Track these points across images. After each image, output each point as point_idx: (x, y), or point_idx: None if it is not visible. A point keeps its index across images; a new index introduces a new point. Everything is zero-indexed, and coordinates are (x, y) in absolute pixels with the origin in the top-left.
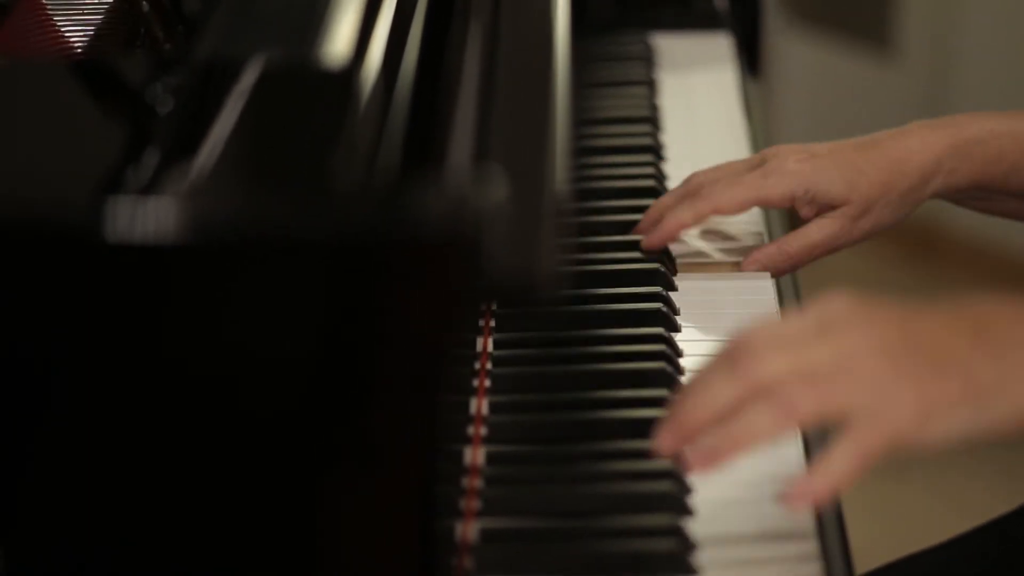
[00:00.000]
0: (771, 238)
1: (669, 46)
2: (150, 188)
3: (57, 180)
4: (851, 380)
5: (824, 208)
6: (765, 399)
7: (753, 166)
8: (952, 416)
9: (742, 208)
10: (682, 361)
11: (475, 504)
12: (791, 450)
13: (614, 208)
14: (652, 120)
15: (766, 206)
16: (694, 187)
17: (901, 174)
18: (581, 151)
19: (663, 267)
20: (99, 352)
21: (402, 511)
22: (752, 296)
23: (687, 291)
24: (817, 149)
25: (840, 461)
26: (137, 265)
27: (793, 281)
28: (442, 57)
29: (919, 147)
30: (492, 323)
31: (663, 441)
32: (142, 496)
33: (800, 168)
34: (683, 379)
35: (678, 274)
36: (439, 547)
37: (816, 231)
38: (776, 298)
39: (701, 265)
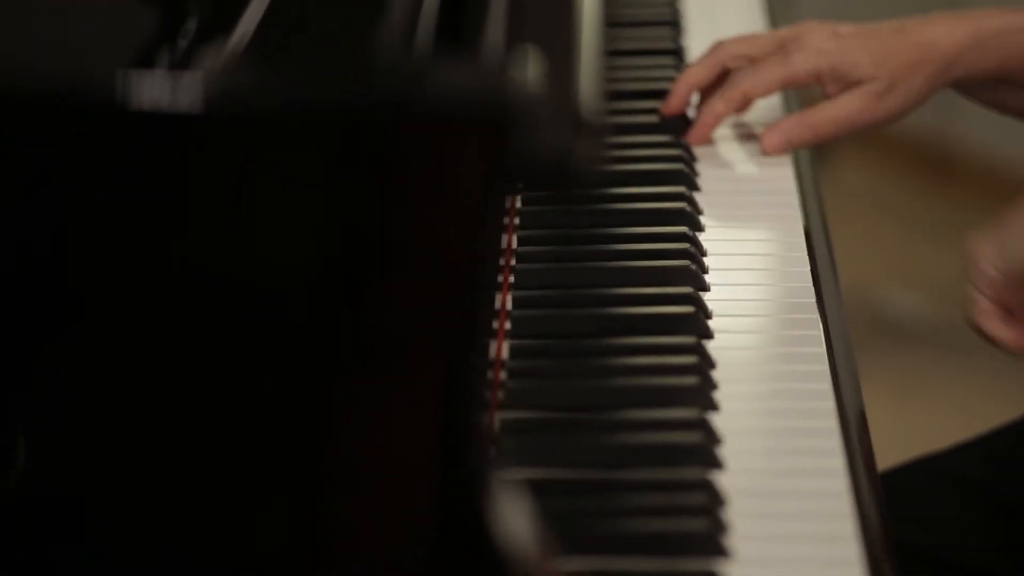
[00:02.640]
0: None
1: None
2: (185, 63)
3: (92, 53)
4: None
5: (850, 85)
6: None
7: (779, 41)
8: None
9: (772, 90)
10: (706, 260)
11: (499, 396)
12: (815, 349)
13: (637, 110)
14: (674, 23)
15: (794, 86)
16: (720, 59)
17: (926, 58)
18: (605, 53)
19: (686, 168)
20: (118, 227)
21: (433, 405)
22: (775, 196)
23: (710, 189)
24: (843, 30)
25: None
26: (167, 137)
27: (816, 189)
28: None
29: (944, 34)
30: (516, 220)
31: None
32: (150, 383)
33: (826, 45)
34: (707, 277)
35: (699, 161)
36: (472, 439)
37: (841, 105)
38: (799, 201)
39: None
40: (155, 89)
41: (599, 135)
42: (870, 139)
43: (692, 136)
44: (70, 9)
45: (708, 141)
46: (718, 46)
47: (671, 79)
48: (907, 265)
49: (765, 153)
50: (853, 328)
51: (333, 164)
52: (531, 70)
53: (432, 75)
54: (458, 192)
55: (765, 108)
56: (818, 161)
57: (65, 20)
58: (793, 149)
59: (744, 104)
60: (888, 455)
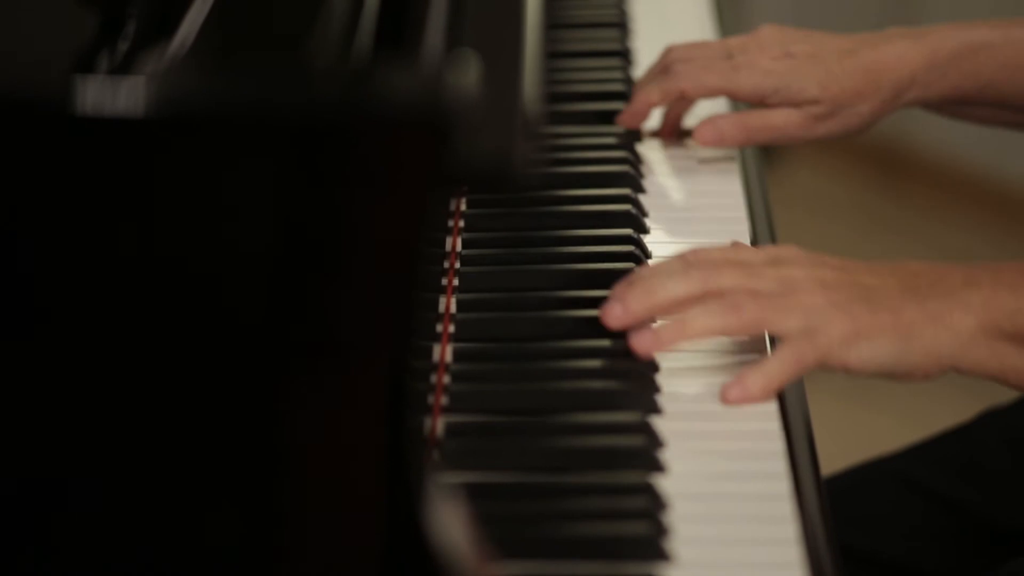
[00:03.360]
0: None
1: None
2: (124, 68)
3: (31, 58)
4: (792, 302)
5: (794, 104)
6: (716, 299)
7: (730, 52)
8: (877, 344)
9: (709, 94)
10: (650, 263)
11: (442, 400)
12: (755, 352)
13: (583, 112)
14: (622, 25)
15: (733, 98)
16: (667, 63)
17: (875, 85)
18: (551, 54)
19: (632, 169)
20: (63, 232)
21: (373, 407)
22: (722, 199)
23: (656, 192)
24: (796, 48)
25: (775, 364)
26: (108, 142)
27: (762, 193)
28: None
29: (896, 60)
30: (461, 223)
31: (612, 312)
32: (99, 381)
33: (774, 67)
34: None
35: (645, 163)
36: (409, 442)
37: (780, 117)
38: (746, 205)
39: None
40: (97, 94)
41: (539, 137)
42: (821, 143)
43: (622, 119)
44: (5, 13)
45: (636, 127)
46: (668, 51)
47: (618, 81)
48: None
49: (695, 142)
50: None
51: (274, 167)
52: (470, 73)
53: (371, 79)
54: (398, 194)
55: (712, 107)
56: (767, 162)
57: (1, 24)
58: (725, 147)
59: (679, 101)
60: (835, 460)
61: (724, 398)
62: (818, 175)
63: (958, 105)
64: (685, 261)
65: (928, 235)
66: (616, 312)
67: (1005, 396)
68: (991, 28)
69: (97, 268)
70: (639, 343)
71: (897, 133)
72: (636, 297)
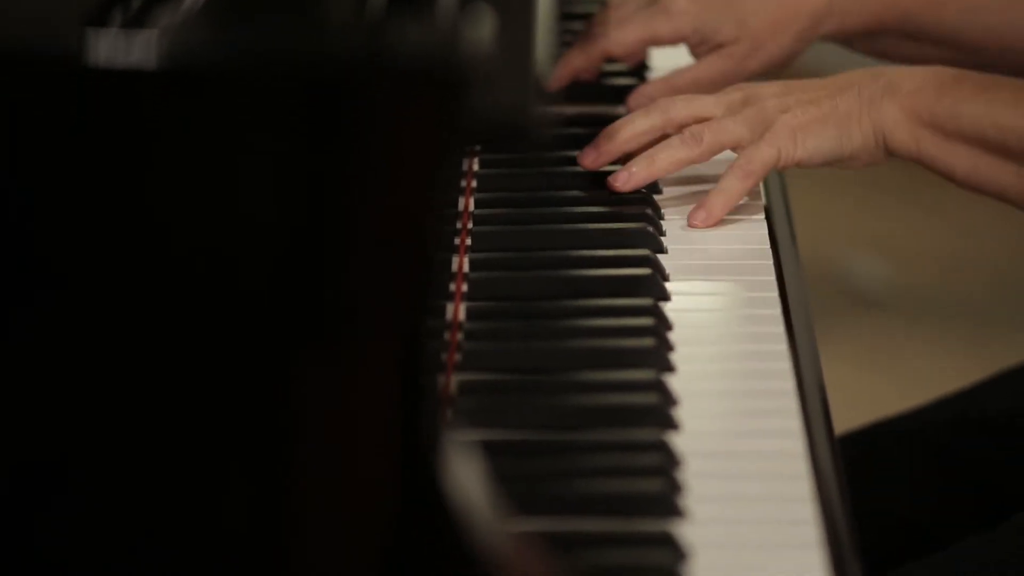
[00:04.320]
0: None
1: None
2: (138, 22)
3: (44, 12)
4: (739, 117)
5: (715, 47)
6: (676, 136)
7: (646, 3)
8: (819, 133)
9: (634, 48)
10: (663, 223)
11: (456, 357)
12: (770, 310)
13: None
14: None
15: (657, 45)
16: (588, 26)
17: (793, 14)
18: (561, 16)
19: None
20: (74, 181)
21: (391, 363)
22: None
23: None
24: None
25: (730, 181)
26: (121, 95)
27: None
28: None
29: None
30: (474, 183)
31: (587, 155)
32: (104, 356)
33: (690, 7)
34: (664, 240)
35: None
36: (425, 400)
37: (703, 67)
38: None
39: None
40: (109, 47)
41: (551, 93)
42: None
43: (548, 85)
44: None
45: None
46: (593, 17)
47: None
48: (869, 232)
49: (628, 109)
50: (816, 296)
51: (288, 124)
52: (484, 28)
53: (385, 33)
54: (412, 150)
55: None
56: None
57: None
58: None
59: (602, 60)
60: (854, 417)
61: (692, 223)
62: None
63: (877, 37)
64: (648, 107)
65: (946, 203)
66: (591, 155)
67: (1015, 359)
68: None
69: (104, 227)
70: (616, 180)
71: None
72: (606, 138)
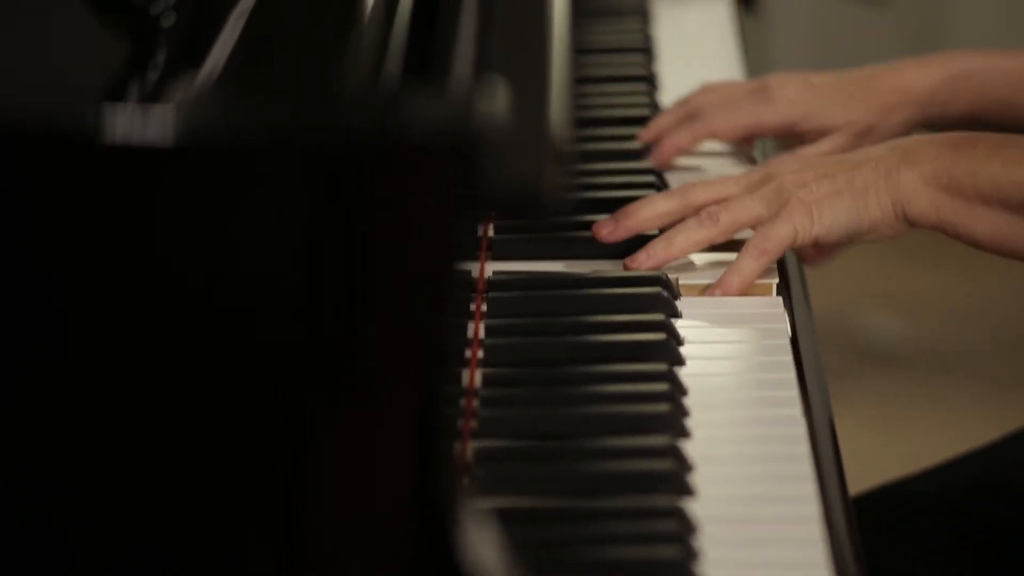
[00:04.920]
0: None
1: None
2: (154, 96)
3: (61, 88)
4: (756, 195)
5: (824, 132)
6: (694, 217)
7: (752, 91)
8: (836, 207)
9: (739, 133)
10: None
11: (472, 425)
12: (784, 374)
13: (608, 136)
14: (647, 50)
15: (764, 134)
16: (693, 108)
17: (901, 100)
18: (576, 79)
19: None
20: (93, 255)
21: (407, 432)
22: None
23: None
24: (816, 80)
25: (745, 261)
26: (138, 170)
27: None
28: None
29: (918, 76)
30: (489, 249)
31: (604, 227)
32: (124, 408)
33: (799, 95)
34: (679, 304)
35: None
36: (441, 468)
37: (827, 142)
38: None
39: None
40: (127, 122)
41: (567, 164)
42: None
43: (652, 159)
44: (38, 43)
45: (665, 168)
46: (692, 96)
47: (644, 106)
48: (884, 289)
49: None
50: (832, 354)
51: (305, 194)
52: (498, 100)
53: (400, 105)
54: (428, 221)
55: None
56: None
57: (33, 53)
58: None
59: (705, 139)
60: (868, 478)
61: (709, 295)
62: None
63: (978, 127)
64: (669, 191)
65: (957, 258)
66: (608, 227)
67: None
68: (998, 54)
69: (126, 297)
70: (634, 261)
71: None
72: (625, 214)
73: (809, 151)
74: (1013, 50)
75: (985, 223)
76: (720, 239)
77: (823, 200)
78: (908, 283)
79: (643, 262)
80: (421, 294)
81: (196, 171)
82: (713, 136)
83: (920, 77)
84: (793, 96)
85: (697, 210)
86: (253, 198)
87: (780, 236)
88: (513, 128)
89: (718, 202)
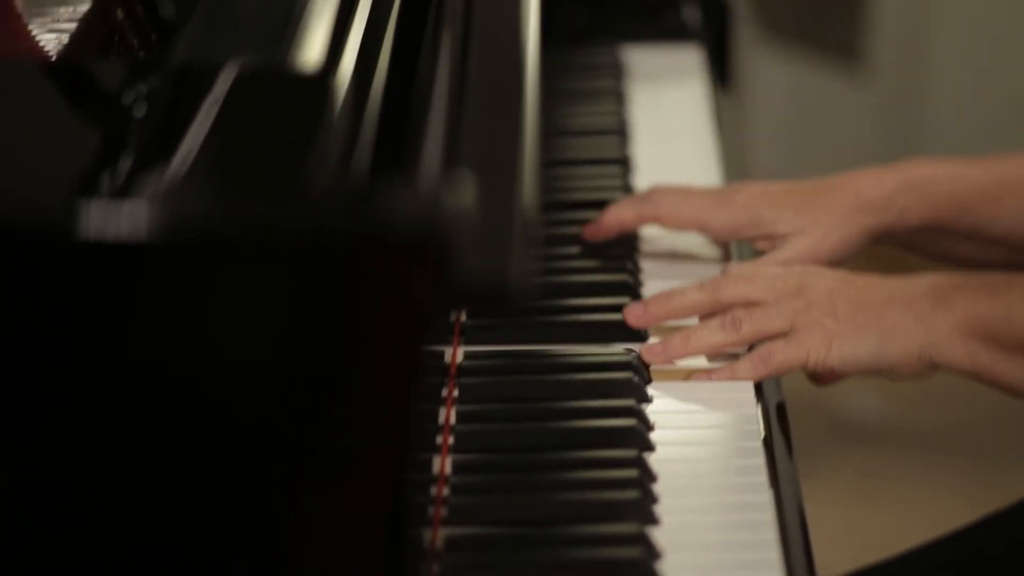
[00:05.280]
0: None
1: (640, 58)
2: (125, 191)
3: (31, 181)
4: (784, 309)
5: (776, 238)
6: (718, 317)
7: (710, 191)
8: (856, 342)
9: (683, 224)
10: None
11: (442, 512)
12: (754, 460)
13: (582, 220)
14: (621, 132)
15: (709, 233)
16: (648, 192)
17: (852, 206)
18: (550, 162)
19: (631, 279)
20: (69, 350)
21: (372, 518)
22: None
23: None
24: (772, 187)
25: (744, 365)
26: (111, 265)
27: None
28: (415, 64)
29: (873, 182)
30: (461, 335)
31: (634, 311)
32: (107, 494)
33: (750, 201)
34: (649, 388)
35: (644, 271)
36: (408, 554)
37: (788, 248)
38: None
39: None
40: (99, 218)
41: (534, 255)
42: None
43: (588, 230)
44: (7, 133)
45: (597, 240)
46: (651, 192)
47: (617, 188)
48: None
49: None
50: (809, 431)
51: (275, 286)
52: (465, 194)
53: (368, 201)
54: (395, 312)
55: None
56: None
57: (3, 144)
58: None
59: (649, 222)
60: (846, 559)
61: (695, 380)
62: None
63: (938, 237)
64: (704, 282)
65: None
66: (637, 311)
67: (1012, 496)
68: (962, 161)
69: (104, 389)
70: (649, 353)
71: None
72: (656, 303)
73: (769, 261)
74: (976, 157)
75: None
76: (738, 346)
77: (846, 334)
78: None
79: (659, 355)
80: (389, 381)
81: (171, 266)
82: (658, 220)
83: (877, 182)
84: (744, 201)
85: (725, 308)
86: (228, 291)
87: (788, 358)
88: (480, 222)
89: (747, 304)
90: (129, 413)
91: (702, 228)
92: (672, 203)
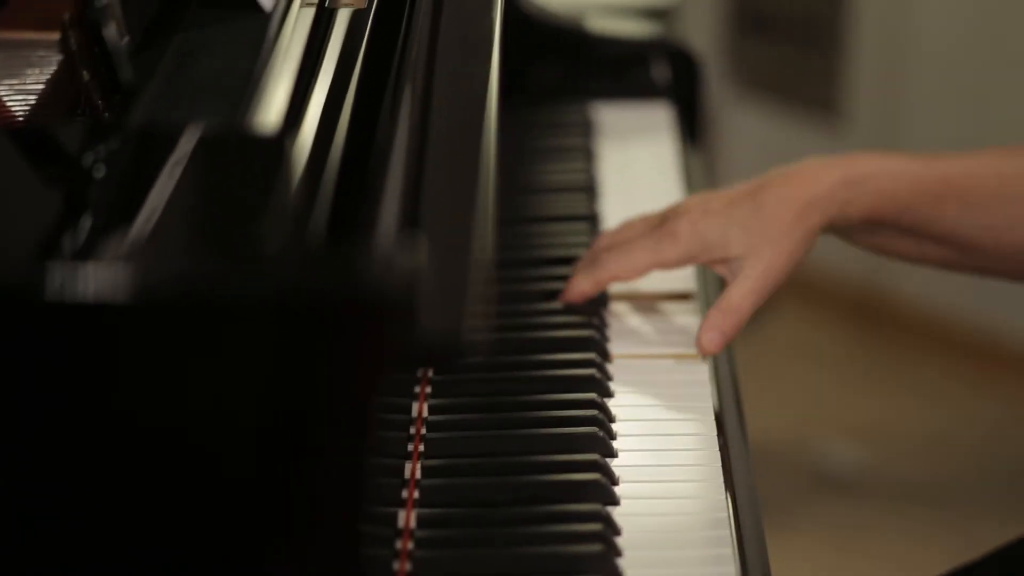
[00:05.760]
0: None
1: (609, 115)
2: (88, 252)
3: (4, 242)
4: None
5: (731, 260)
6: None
7: (652, 229)
8: (709, 223)
9: (641, 274)
10: (614, 426)
11: (407, 566)
12: (719, 515)
13: (550, 276)
14: (590, 189)
15: (665, 269)
16: (594, 254)
17: (794, 210)
18: (518, 219)
19: (597, 334)
20: (36, 409)
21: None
22: (685, 363)
23: (622, 356)
24: (713, 204)
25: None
26: (73, 325)
27: (729, 359)
28: (375, 125)
29: (811, 180)
30: (428, 389)
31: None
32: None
33: (693, 229)
34: (615, 444)
35: (611, 327)
36: None
37: (743, 286)
38: (712, 378)
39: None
40: (68, 279)
41: (488, 313)
42: (805, 292)
43: (561, 300)
44: None
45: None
46: (599, 239)
47: (586, 245)
48: (845, 417)
49: (705, 353)
50: (790, 481)
51: (234, 344)
52: (419, 255)
53: (323, 261)
54: (349, 369)
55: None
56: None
57: None
58: (731, 339)
59: (609, 284)
60: None
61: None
62: (803, 328)
63: (878, 230)
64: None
65: (916, 385)
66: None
67: (993, 542)
68: (906, 157)
69: (82, 444)
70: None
71: (880, 284)
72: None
73: (733, 299)
74: (922, 155)
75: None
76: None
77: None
78: (867, 411)
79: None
80: (345, 435)
81: (132, 326)
82: (616, 280)
83: (816, 180)
84: (687, 229)
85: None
86: (189, 351)
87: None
88: (433, 281)
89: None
90: (99, 465)
91: (658, 268)
92: (619, 260)
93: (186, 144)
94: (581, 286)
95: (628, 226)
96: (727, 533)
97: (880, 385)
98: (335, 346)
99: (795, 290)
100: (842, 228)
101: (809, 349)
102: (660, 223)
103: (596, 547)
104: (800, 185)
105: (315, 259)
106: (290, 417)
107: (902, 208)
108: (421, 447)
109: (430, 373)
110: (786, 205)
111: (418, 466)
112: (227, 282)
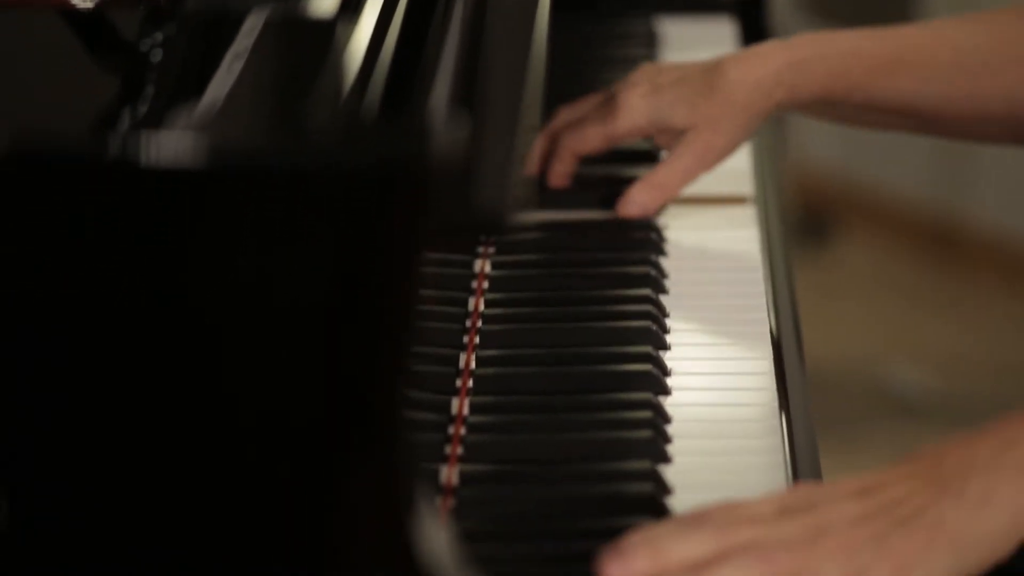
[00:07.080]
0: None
1: (674, 28)
2: (148, 123)
3: (65, 119)
4: (828, 546)
5: (676, 134)
6: (744, 555)
7: (599, 105)
8: (930, 565)
9: (596, 148)
10: (668, 321)
11: (458, 450)
12: (770, 406)
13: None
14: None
15: (618, 142)
16: (551, 135)
17: (742, 92)
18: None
19: (654, 234)
20: (113, 283)
21: (383, 454)
22: (740, 260)
23: (677, 255)
24: (663, 79)
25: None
26: (143, 193)
27: (784, 255)
28: (430, 16)
29: (759, 64)
30: (485, 284)
31: (609, 569)
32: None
33: (643, 102)
34: (668, 337)
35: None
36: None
37: (677, 161)
38: (764, 259)
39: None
40: (144, 146)
41: (527, 190)
42: (874, 216)
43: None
44: (28, 82)
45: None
46: (554, 118)
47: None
48: (913, 340)
49: (620, 216)
50: (857, 403)
51: (299, 212)
52: (461, 130)
53: (367, 135)
54: (392, 243)
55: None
56: (822, 246)
57: (24, 92)
58: (654, 212)
59: (578, 159)
60: None
61: None
62: (872, 252)
63: (831, 107)
64: (697, 518)
65: (986, 312)
66: (614, 569)
67: None
68: (858, 34)
69: (148, 322)
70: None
71: (952, 207)
72: (641, 553)
73: (667, 172)
74: (876, 29)
75: None
76: None
77: (916, 559)
78: (935, 337)
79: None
80: (386, 317)
81: (214, 194)
82: (576, 157)
83: (763, 63)
84: (638, 103)
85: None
86: (248, 221)
87: None
88: (475, 156)
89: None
90: (168, 344)
91: (611, 144)
92: (575, 138)
93: (247, 29)
94: (557, 168)
95: (583, 103)
96: (777, 423)
97: (949, 309)
98: (389, 210)
99: (868, 214)
100: (795, 108)
101: (880, 274)
102: (608, 99)
103: (645, 433)
104: (749, 68)
105: (358, 133)
106: (348, 282)
107: (853, 86)
108: (477, 339)
109: (487, 268)
110: (734, 87)
111: (472, 357)
112: (294, 152)
